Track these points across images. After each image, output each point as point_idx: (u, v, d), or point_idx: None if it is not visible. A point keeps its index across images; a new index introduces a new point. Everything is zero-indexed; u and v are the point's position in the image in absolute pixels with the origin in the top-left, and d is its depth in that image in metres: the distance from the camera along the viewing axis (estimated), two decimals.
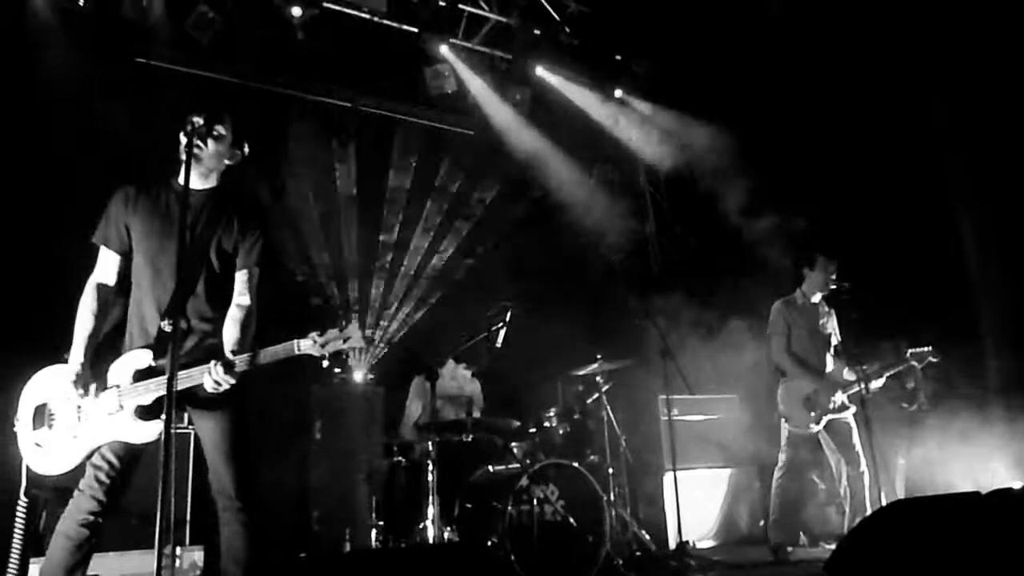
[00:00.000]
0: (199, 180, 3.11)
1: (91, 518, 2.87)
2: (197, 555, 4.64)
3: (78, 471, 2.98)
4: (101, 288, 3.09)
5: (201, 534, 4.65)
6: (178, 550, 4.65)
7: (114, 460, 2.93)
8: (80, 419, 2.95)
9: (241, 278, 3.12)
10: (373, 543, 5.11)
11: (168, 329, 2.61)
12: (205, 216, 3.07)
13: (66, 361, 3.00)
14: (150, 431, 2.89)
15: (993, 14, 5.63)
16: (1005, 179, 5.64)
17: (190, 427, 3.07)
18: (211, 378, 2.81)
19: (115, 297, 3.12)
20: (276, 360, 2.90)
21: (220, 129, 3.09)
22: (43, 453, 3.01)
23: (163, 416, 2.56)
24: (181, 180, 3.08)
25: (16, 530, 3.90)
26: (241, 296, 3.10)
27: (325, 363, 2.88)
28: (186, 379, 2.84)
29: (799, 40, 6.81)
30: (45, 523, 4.09)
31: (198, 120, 2.91)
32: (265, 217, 3.23)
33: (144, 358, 2.94)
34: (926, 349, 5.32)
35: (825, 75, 6.59)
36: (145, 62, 6.11)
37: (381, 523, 5.17)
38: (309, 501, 5.59)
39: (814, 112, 6.69)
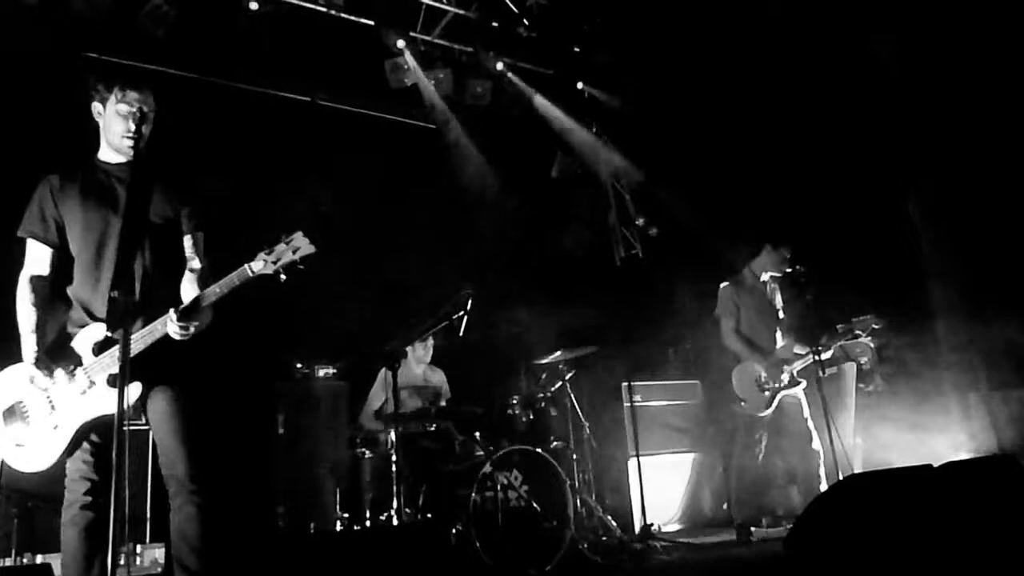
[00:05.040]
0: (119, 154, 3.09)
1: (89, 499, 2.89)
2: (158, 552, 4.60)
3: (57, 469, 2.95)
4: (36, 280, 3.05)
5: (162, 531, 4.59)
6: (138, 547, 4.60)
7: (94, 437, 2.93)
8: (54, 407, 2.92)
9: (188, 243, 3.15)
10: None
11: (118, 298, 2.59)
12: (137, 188, 3.03)
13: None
14: (130, 394, 2.83)
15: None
16: (954, 159, 5.77)
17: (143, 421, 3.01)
18: (173, 326, 2.82)
19: (52, 289, 3.07)
20: (233, 290, 2.86)
21: (150, 100, 3.08)
22: (25, 451, 2.95)
23: (137, 379, 2.74)
24: (101, 156, 3.12)
25: None
26: (192, 260, 3.14)
27: (283, 278, 2.85)
28: (148, 335, 2.85)
29: (752, 30, 6.89)
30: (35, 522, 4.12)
31: (132, 92, 2.98)
32: (192, 180, 3.22)
33: (99, 330, 2.92)
34: (868, 317, 5.38)
35: (779, 62, 6.69)
36: (96, 57, 5.99)
37: (346, 515, 5.15)
38: (273, 496, 5.54)
39: (768, 99, 6.78)
